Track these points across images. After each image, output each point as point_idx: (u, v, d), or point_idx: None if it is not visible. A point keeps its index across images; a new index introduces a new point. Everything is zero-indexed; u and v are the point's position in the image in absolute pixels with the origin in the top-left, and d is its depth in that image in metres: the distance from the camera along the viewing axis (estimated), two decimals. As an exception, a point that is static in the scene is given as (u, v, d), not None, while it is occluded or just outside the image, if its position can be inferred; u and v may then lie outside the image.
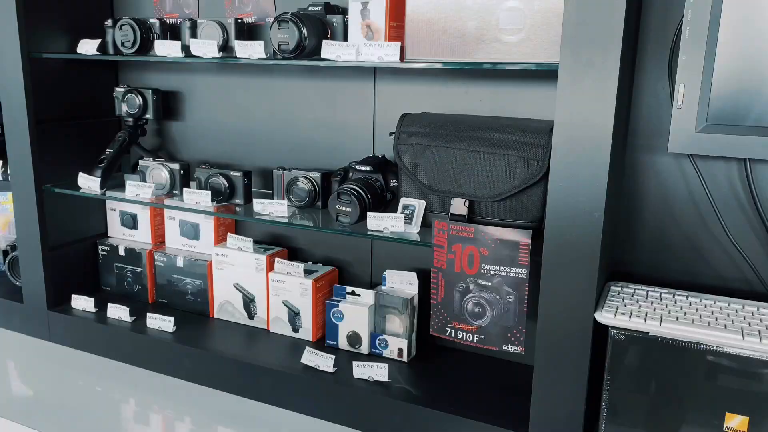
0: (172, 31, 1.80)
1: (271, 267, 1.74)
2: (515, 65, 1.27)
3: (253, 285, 1.77)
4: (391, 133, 1.49)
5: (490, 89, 1.53)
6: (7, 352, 1.86)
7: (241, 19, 1.73)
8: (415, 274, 1.59)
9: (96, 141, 1.94)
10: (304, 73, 1.75)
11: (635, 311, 1.19)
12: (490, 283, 1.31)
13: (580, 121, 1.13)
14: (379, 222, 1.44)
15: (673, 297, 1.27)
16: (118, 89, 1.87)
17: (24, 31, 1.72)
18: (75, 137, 1.92)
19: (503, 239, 1.28)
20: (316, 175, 1.63)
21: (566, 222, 1.18)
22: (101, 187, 1.78)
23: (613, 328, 1.19)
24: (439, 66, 1.35)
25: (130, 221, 1.99)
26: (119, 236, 2.03)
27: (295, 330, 1.73)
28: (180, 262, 1.87)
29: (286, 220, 1.57)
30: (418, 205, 1.45)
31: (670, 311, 1.20)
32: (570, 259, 1.19)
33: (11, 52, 1.73)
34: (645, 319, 1.17)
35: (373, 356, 1.62)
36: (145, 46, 1.74)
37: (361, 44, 1.44)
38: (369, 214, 1.45)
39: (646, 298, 1.26)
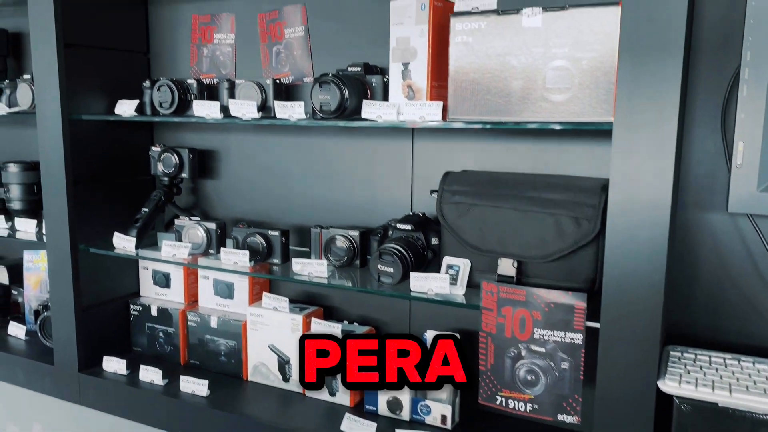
0: (209, 92, 1.81)
1: (307, 327, 1.70)
2: (565, 125, 1.25)
3: (289, 346, 1.72)
4: (432, 191, 1.47)
5: (533, 147, 1.50)
6: (37, 416, 1.81)
7: (279, 79, 1.74)
8: (457, 336, 1.54)
9: (131, 199, 1.94)
10: (341, 131, 1.75)
11: (701, 379, 1.13)
12: (543, 349, 1.25)
13: (636, 180, 1.10)
14: (423, 283, 1.40)
15: (739, 363, 1.20)
16: (154, 148, 1.88)
17: (65, 94, 1.74)
18: (110, 196, 1.92)
19: (557, 302, 1.23)
20: (355, 234, 1.61)
21: (625, 285, 1.13)
22: (136, 247, 1.77)
23: (678, 397, 1.12)
24: (483, 126, 1.33)
25: (163, 280, 1.97)
26: (151, 295, 2.00)
27: (332, 394, 1.67)
28: (213, 322, 1.84)
29: (325, 281, 1.54)
30: (463, 265, 1.41)
31: (738, 379, 1.13)
32: (629, 324, 1.14)
33: (52, 115, 1.75)
34: (713, 388, 1.10)
35: (415, 423, 1.55)
36: (183, 107, 1.75)
37: (402, 104, 1.43)
38: (412, 274, 1.41)
39: (710, 364, 1.20)
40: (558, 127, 1.25)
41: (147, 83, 1.79)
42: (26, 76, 1.93)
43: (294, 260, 1.57)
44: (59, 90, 1.73)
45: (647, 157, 1.09)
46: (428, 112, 1.40)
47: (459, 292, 1.40)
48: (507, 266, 1.34)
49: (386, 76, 1.54)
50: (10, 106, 1.99)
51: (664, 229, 1.09)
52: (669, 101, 1.06)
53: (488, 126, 1.32)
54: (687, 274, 1.36)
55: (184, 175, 1.85)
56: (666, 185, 1.08)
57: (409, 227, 1.50)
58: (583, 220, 1.27)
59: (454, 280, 1.40)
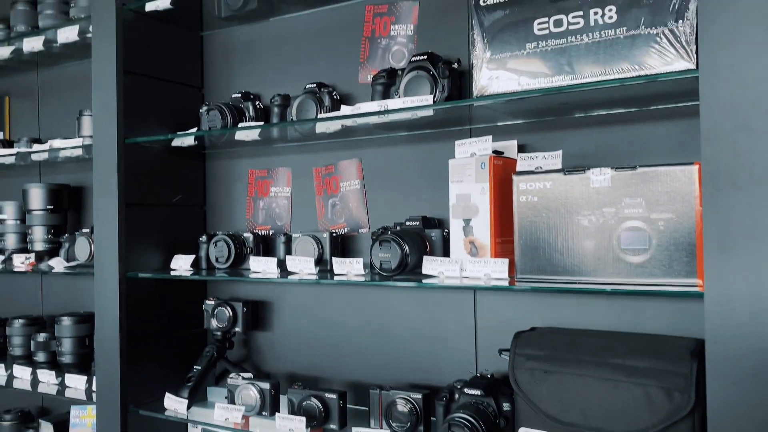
0: (265, 244, 1.81)
1: (366, 498, 1.56)
2: (645, 291, 1.17)
3: None
4: (501, 351, 1.39)
5: (609, 303, 1.42)
6: None
7: (335, 231, 1.73)
8: None
9: (183, 354, 1.89)
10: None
11: None
12: None
13: (735, 344, 1.01)
14: (498, 459, 1.28)
15: None
16: (207, 302, 1.85)
17: (123, 251, 1.76)
18: (162, 351, 1.87)
19: (656, 490, 1.10)
20: (417, 397, 1.51)
21: (736, 474, 1.00)
22: (188, 408, 1.70)
23: None
24: (553, 290, 1.26)
25: (212, 439, 1.87)
26: (200, 455, 1.90)
27: None
28: (265, 489, 1.71)
29: (388, 452, 1.43)
30: (541, 437, 1.29)
31: None
32: None
33: (110, 271, 1.76)
34: None
35: None
36: (239, 260, 1.75)
37: (465, 260, 1.39)
38: (485, 448, 1.29)
39: None
40: (638, 291, 1.18)
41: (203, 238, 1.80)
42: (85, 230, 1.97)
43: (354, 430, 1.47)
44: (118, 247, 1.75)
45: (748, 316, 1.00)
46: (493, 270, 1.34)
47: (539, 468, 1.27)
48: (592, 441, 1.22)
49: (446, 230, 1.51)
50: (68, 260, 2.02)
51: (775, 410, 0.98)
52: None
53: (559, 289, 1.26)
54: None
55: (237, 329, 1.81)
56: (773, 361, 0.99)
57: (478, 392, 1.40)
58: (674, 391, 1.16)
59: (532, 456, 1.28)
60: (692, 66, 1.12)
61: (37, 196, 2.11)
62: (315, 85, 1.69)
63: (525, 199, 1.31)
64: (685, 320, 1.33)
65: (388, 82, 1.56)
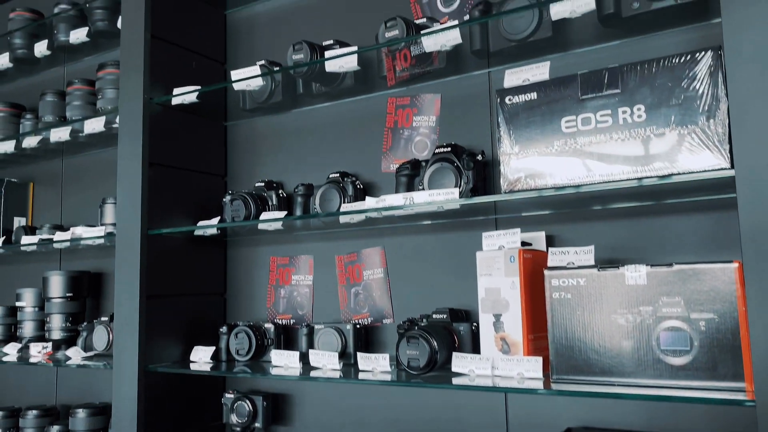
0: (286, 335, 1.77)
1: None
2: (690, 393, 1.12)
3: None
4: (536, 454, 1.32)
5: (646, 404, 1.36)
6: None
7: (358, 322, 1.69)
8: None
9: (199, 449, 1.83)
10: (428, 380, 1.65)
11: None
12: None
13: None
14: None
15: None
16: (227, 395, 1.80)
17: (143, 343, 1.72)
18: (179, 447, 1.81)
19: None
20: (448, 501, 1.43)
21: None
22: None
23: None
24: (592, 392, 1.21)
25: None
26: None
27: None
28: None
29: None
30: None
31: None
32: None
33: (129, 366, 1.72)
34: None
35: None
36: (260, 352, 1.71)
37: (497, 357, 1.35)
38: None
39: None
40: (683, 397, 1.12)
41: (224, 329, 1.77)
42: (104, 318, 1.95)
43: None
44: (138, 340, 1.72)
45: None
46: (527, 369, 1.30)
47: None
48: None
49: (474, 323, 1.48)
50: (85, 349, 1.99)
51: None
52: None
53: (598, 394, 1.20)
54: None
55: (258, 424, 1.75)
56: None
57: (513, 500, 1.33)
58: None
59: None
60: (726, 164, 1.11)
61: (56, 284, 2.10)
62: (338, 174, 1.69)
63: (558, 295, 1.27)
64: (729, 424, 1.26)
65: (412, 173, 1.56)
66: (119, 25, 1.94)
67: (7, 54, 2.35)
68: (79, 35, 2.14)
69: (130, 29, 1.82)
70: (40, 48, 2.26)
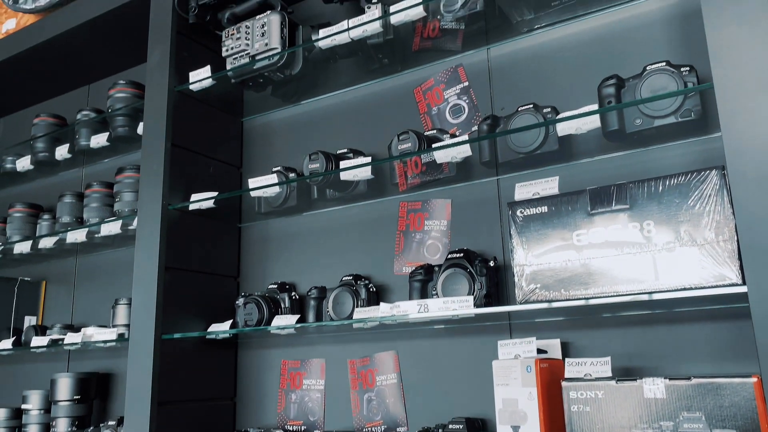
0: (298, 443, 1.74)
1: None
2: None
3: None
4: None
5: None
6: None
7: (371, 429, 1.66)
8: None
9: None
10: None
11: None
12: None
13: None
14: None
15: None
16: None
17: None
18: None
19: None
20: None
21: None
22: None
23: None
24: None
25: None
26: None
27: None
28: None
29: None
30: None
31: None
32: None
33: (143, 401, 1.68)
34: None
35: None
36: (271, 462, 1.67)
37: (516, 471, 1.32)
38: None
39: None
40: None
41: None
42: (111, 422, 1.91)
43: None
44: (150, 375, 1.69)
45: None
46: (547, 485, 1.27)
47: None
48: None
49: (491, 436, 1.45)
50: (90, 457, 1.94)
51: None
52: None
53: None
54: None
55: None
56: None
57: None
58: None
59: None
60: (737, 280, 1.13)
61: (64, 387, 2.08)
62: (351, 277, 1.71)
63: (576, 408, 1.26)
64: None
65: (425, 279, 1.58)
66: (139, 130, 2.02)
67: (29, 156, 2.44)
68: (99, 140, 2.22)
69: (152, 139, 1.89)
70: (61, 151, 2.35)
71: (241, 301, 1.79)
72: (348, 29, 1.68)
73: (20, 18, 2.50)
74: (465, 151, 1.51)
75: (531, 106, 1.47)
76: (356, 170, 1.64)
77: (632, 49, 1.53)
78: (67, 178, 2.55)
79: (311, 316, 1.74)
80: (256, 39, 1.80)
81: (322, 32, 1.74)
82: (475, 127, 1.58)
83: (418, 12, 1.58)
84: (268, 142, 2.12)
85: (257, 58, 1.80)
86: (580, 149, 1.52)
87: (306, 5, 2.06)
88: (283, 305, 1.81)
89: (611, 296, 1.24)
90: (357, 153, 1.76)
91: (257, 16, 1.82)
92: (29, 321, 2.44)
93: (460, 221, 1.72)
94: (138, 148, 1.95)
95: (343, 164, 1.68)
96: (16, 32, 2.42)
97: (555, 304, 1.30)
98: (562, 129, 1.39)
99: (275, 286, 1.84)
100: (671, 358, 1.39)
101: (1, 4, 2.55)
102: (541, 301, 1.32)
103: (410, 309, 1.49)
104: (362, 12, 1.69)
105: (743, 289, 1.10)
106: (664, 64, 1.31)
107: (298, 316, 1.73)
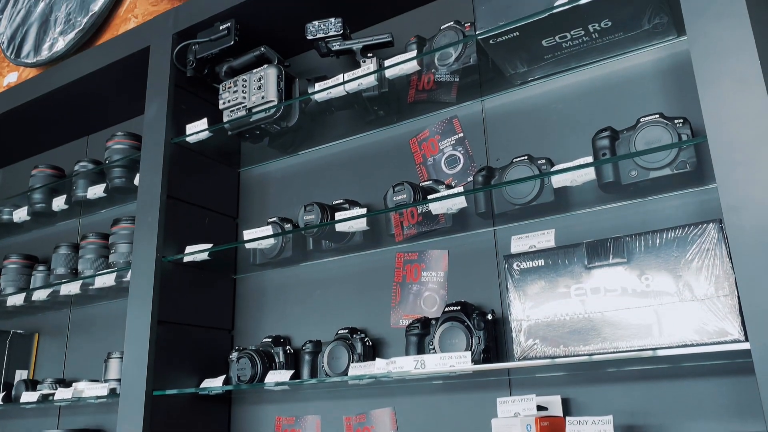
0: (292, 505, 1.67)
1: None
2: None
3: None
4: None
5: None
6: None
7: (368, 490, 1.60)
8: None
9: None
10: None
11: None
12: None
13: None
14: None
15: None
16: None
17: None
18: None
19: None
20: None
21: None
22: None
23: None
24: None
25: None
26: None
27: None
28: None
29: None
30: None
31: None
32: None
33: None
34: None
35: None
36: None
37: None
38: None
39: None
40: None
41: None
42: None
43: None
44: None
45: None
46: None
47: None
48: None
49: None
50: None
51: None
52: None
53: None
54: None
55: None
56: None
57: None
58: None
59: None
60: (739, 336, 1.10)
61: (54, 445, 2.02)
62: (347, 330, 1.68)
63: (579, 471, 1.22)
64: None
65: (422, 333, 1.55)
66: (136, 181, 2.02)
67: (26, 208, 2.43)
68: (96, 191, 2.22)
69: (147, 190, 1.89)
70: (59, 202, 2.35)
71: (234, 355, 1.75)
72: (344, 82, 1.70)
73: (22, 71, 2.54)
74: (460, 202, 1.50)
75: (526, 157, 1.47)
76: (352, 221, 1.63)
77: (625, 101, 1.54)
78: (64, 229, 2.54)
79: (306, 372, 1.71)
80: (253, 92, 1.82)
81: (318, 85, 1.75)
82: (470, 178, 1.57)
83: (413, 66, 1.60)
84: (265, 192, 2.11)
85: (254, 110, 1.81)
86: (576, 200, 1.51)
87: (302, 58, 2.09)
88: (277, 359, 1.77)
89: (613, 353, 1.21)
90: (353, 204, 1.75)
91: (254, 70, 1.84)
92: (20, 375, 2.39)
93: (457, 272, 1.70)
94: (134, 199, 1.94)
95: (338, 215, 1.68)
96: (17, 85, 2.45)
97: (556, 361, 1.26)
98: (558, 181, 1.38)
99: (270, 339, 1.81)
100: (675, 415, 1.34)
101: (3, 59, 2.59)
102: (541, 358, 1.29)
103: (407, 365, 1.45)
104: (358, 65, 1.71)
105: (746, 345, 1.07)
106: (657, 116, 1.32)
107: (292, 372, 1.69)
